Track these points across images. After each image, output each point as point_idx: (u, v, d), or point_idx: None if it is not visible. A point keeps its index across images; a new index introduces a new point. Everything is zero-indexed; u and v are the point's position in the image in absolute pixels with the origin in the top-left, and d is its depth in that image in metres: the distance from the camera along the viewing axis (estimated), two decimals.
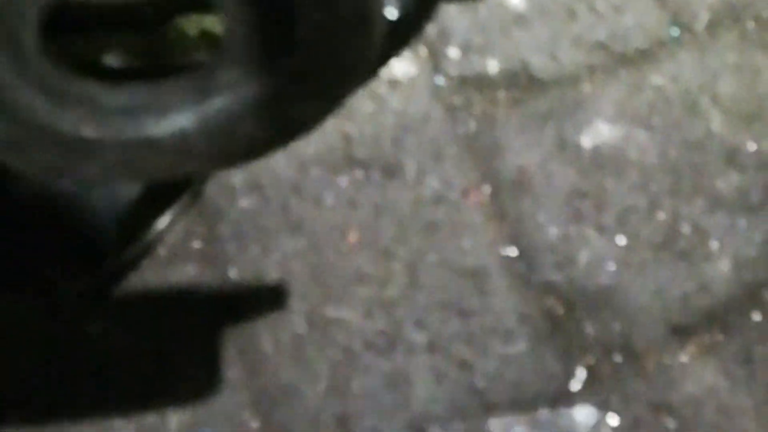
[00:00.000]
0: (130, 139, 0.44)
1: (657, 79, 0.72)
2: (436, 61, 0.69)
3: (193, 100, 0.44)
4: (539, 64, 0.71)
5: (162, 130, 0.44)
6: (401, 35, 0.49)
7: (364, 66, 0.46)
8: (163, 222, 0.63)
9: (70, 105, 0.43)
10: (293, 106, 0.46)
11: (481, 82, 0.69)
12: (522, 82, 0.70)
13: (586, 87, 0.71)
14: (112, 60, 0.45)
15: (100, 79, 0.43)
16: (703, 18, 0.76)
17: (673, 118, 0.71)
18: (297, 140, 0.47)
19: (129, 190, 0.62)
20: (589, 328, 0.64)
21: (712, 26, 0.76)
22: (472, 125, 0.68)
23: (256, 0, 0.41)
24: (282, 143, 0.48)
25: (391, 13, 0.47)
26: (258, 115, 0.46)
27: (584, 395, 0.61)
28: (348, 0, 0.42)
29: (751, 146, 0.71)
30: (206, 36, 0.46)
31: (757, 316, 0.65)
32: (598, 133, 0.70)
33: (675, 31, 0.75)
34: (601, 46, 0.73)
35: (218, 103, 0.44)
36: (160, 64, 0.47)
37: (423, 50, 0.70)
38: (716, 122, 0.72)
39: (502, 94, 0.69)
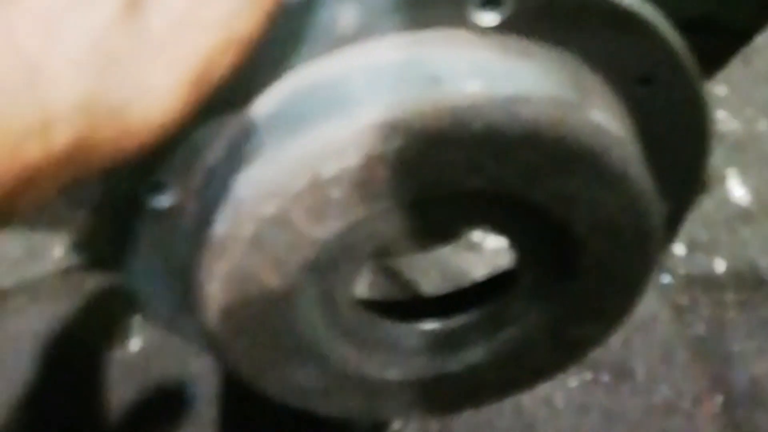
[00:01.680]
0: (429, 377, 0.44)
1: None
2: (662, 258, 0.68)
3: (485, 334, 0.45)
4: (767, 263, 0.70)
5: (456, 366, 0.45)
6: (668, 232, 0.49)
7: (645, 281, 0.45)
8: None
9: (376, 350, 0.44)
10: (578, 329, 0.46)
11: (708, 282, 0.68)
12: (750, 283, 0.69)
13: None
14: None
15: (400, 319, 0.44)
16: None
17: None
18: (579, 361, 0.47)
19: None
20: None
21: None
22: (701, 328, 0.67)
23: (542, 234, 0.42)
24: (566, 366, 0.48)
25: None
26: (545, 341, 0.46)
27: None
28: (630, 226, 0.42)
29: None
30: None
31: None
32: None
33: None
34: None
35: (508, 334, 0.45)
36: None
37: None
38: None
39: (730, 296, 0.68)
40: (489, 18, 0.38)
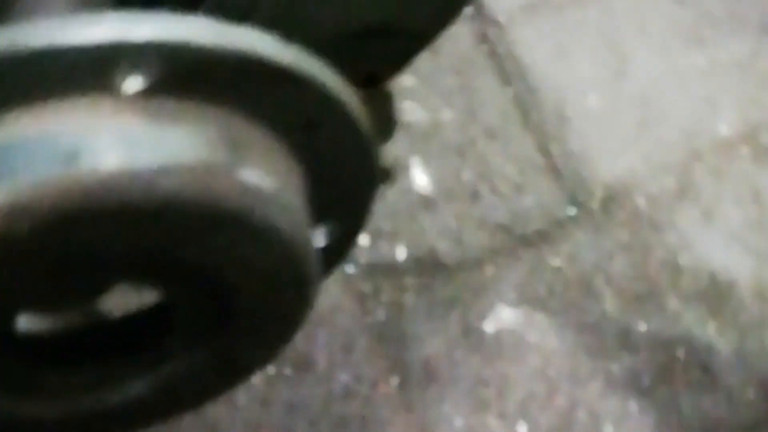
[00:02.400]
0: (89, 411, 0.45)
1: (555, 260, 0.77)
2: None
3: (146, 369, 0.46)
4: (445, 248, 0.75)
5: (117, 399, 0.46)
6: (328, 262, 0.52)
7: (305, 313, 0.48)
8: None
9: (31, 394, 0.44)
10: (241, 357, 0.48)
11: (389, 270, 0.72)
12: (429, 268, 0.74)
13: (490, 270, 0.75)
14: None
15: (59, 362, 0.45)
16: (598, 195, 0.81)
17: (571, 299, 0.75)
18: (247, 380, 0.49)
19: None
20: None
21: (606, 203, 0.81)
22: (381, 314, 0.71)
23: (196, 284, 0.43)
24: (234, 386, 0.50)
25: (319, 240, 0.49)
26: (209, 370, 0.47)
27: None
28: (285, 273, 0.44)
29: (642, 326, 0.76)
30: None
31: None
32: (501, 318, 0.73)
33: (571, 210, 0.80)
34: (504, 228, 0.77)
35: (170, 368, 0.46)
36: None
37: None
38: (609, 303, 0.76)
39: (409, 281, 0.73)
40: (135, 83, 0.38)
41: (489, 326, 0.73)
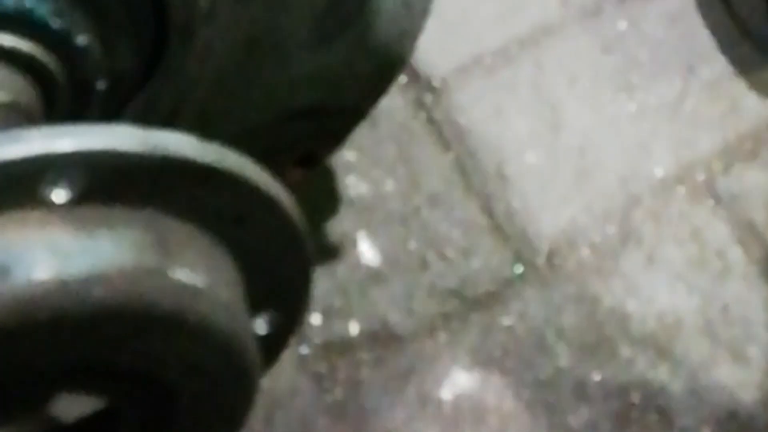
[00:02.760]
0: None
1: (506, 320, 0.78)
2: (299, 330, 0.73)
3: None
4: (397, 319, 0.76)
5: None
6: (272, 350, 0.53)
7: (249, 405, 0.49)
8: None
9: None
10: None
11: (344, 346, 0.74)
12: (382, 341, 0.75)
13: (443, 337, 0.77)
14: None
15: None
16: (543, 250, 0.83)
17: (525, 357, 0.77)
18: None
19: None
20: None
21: (551, 258, 0.83)
22: (339, 392, 0.72)
23: (134, 386, 0.44)
24: None
25: (261, 328, 0.51)
26: None
27: None
28: (224, 367, 0.45)
29: (597, 376, 0.77)
30: None
31: None
32: (457, 383, 0.75)
33: (519, 269, 0.82)
34: (453, 293, 0.79)
35: None
36: None
37: None
38: (563, 356, 0.78)
39: (364, 356, 0.74)
40: (61, 194, 0.39)
41: (446, 393, 0.75)
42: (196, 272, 0.43)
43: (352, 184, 0.82)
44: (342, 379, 0.73)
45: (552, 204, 0.86)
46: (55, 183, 0.39)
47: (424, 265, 0.80)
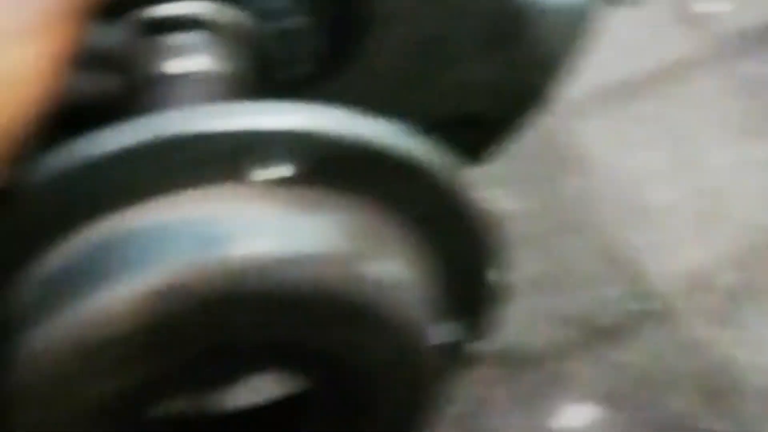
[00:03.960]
0: None
1: (624, 356, 0.76)
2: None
3: None
4: (517, 341, 0.75)
5: None
6: (450, 360, 0.51)
7: (428, 404, 0.47)
8: None
9: None
10: None
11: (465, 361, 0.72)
12: (501, 361, 0.74)
13: (558, 365, 0.75)
14: None
15: None
16: (663, 291, 0.81)
17: (639, 397, 0.74)
18: None
19: None
20: None
21: (671, 299, 0.81)
22: (459, 406, 0.71)
23: (326, 372, 0.43)
24: None
25: (441, 335, 0.49)
26: None
27: None
28: (406, 364, 0.44)
29: (710, 426, 0.75)
30: None
31: None
32: (569, 415, 0.73)
33: (638, 306, 0.80)
34: (573, 322, 0.77)
35: None
36: None
37: None
38: (678, 402, 0.75)
39: (482, 373, 0.73)
40: (271, 172, 0.39)
41: (556, 423, 0.73)
42: (392, 266, 0.42)
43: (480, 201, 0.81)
44: (460, 393, 0.72)
45: (674, 244, 0.85)
46: (264, 160, 0.39)
47: (546, 289, 0.79)
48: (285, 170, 0.39)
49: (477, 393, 0.71)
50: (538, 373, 0.74)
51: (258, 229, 0.39)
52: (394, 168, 0.42)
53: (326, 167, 0.41)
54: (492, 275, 0.47)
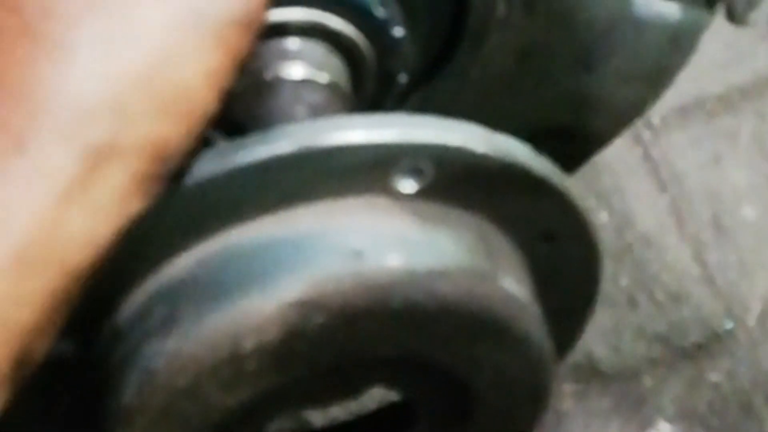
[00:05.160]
0: None
1: (714, 375, 0.76)
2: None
3: None
4: (602, 355, 0.74)
5: None
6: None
7: (537, 421, 0.47)
8: None
9: None
10: None
11: None
12: (586, 375, 0.73)
13: (648, 382, 0.74)
14: None
15: None
16: (755, 309, 0.80)
17: (729, 418, 0.74)
18: None
19: None
20: None
21: (763, 318, 0.80)
22: (542, 420, 0.70)
23: (440, 388, 0.43)
24: None
25: None
26: None
27: None
28: (528, 383, 0.44)
29: None
30: None
31: None
32: None
33: (729, 324, 0.79)
34: (661, 338, 0.76)
35: None
36: None
37: None
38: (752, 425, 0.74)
39: (568, 387, 0.72)
40: (410, 185, 0.39)
41: None
42: (520, 284, 0.42)
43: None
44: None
45: (766, 262, 0.83)
46: (405, 173, 0.38)
47: (633, 304, 0.78)
48: (423, 183, 0.39)
49: (554, 406, 0.71)
50: (626, 389, 0.73)
51: (401, 242, 0.38)
52: (531, 185, 0.42)
53: (464, 181, 0.41)
54: (593, 295, 0.47)
